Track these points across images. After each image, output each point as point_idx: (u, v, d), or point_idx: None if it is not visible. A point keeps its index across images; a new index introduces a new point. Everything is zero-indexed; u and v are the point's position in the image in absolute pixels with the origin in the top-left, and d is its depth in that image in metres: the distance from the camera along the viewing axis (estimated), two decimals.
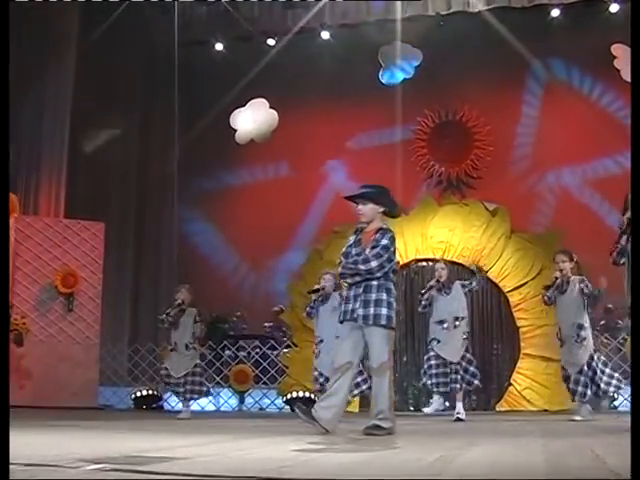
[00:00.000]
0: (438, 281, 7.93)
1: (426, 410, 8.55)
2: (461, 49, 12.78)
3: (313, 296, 7.80)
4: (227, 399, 11.15)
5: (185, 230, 13.91)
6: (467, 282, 8.09)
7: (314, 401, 7.64)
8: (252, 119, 12.75)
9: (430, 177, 13.48)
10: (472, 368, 7.82)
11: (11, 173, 9.22)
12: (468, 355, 7.88)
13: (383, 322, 4.96)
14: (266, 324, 12.60)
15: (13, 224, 9.85)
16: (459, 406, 7.61)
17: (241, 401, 10.98)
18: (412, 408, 10.03)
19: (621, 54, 11.03)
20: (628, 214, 4.95)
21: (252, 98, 12.79)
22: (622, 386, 7.38)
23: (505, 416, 8.63)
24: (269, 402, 10.89)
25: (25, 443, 3.86)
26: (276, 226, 13.22)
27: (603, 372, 7.26)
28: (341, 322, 5.18)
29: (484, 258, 10.32)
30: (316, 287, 7.82)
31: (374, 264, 4.96)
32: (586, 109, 12.10)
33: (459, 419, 7.35)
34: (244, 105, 12.91)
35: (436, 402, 8.31)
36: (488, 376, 10.30)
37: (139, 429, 5.63)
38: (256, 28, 13.04)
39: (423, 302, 7.94)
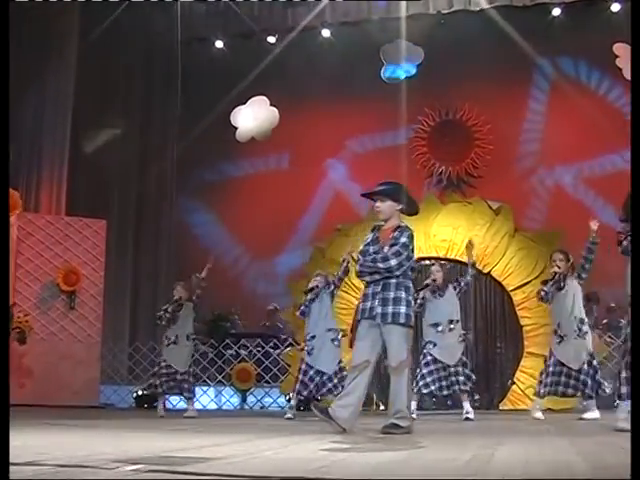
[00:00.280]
0: (434, 280, 7.94)
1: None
2: (462, 47, 12.77)
3: (309, 295, 7.80)
4: (229, 397, 11.10)
5: (186, 221, 13.85)
6: (456, 283, 8.05)
7: (309, 401, 7.70)
8: (253, 117, 12.67)
9: (430, 176, 13.46)
10: (467, 371, 7.90)
11: (12, 170, 9.20)
12: (464, 358, 8.02)
13: (402, 320, 4.94)
14: (264, 323, 12.55)
15: (15, 221, 9.77)
16: (467, 406, 7.60)
17: (243, 400, 10.93)
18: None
19: (623, 53, 11.00)
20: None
21: (252, 95, 12.72)
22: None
23: (510, 415, 8.62)
24: (271, 401, 10.86)
25: (49, 443, 3.81)
26: (276, 224, 13.19)
27: (599, 371, 7.34)
28: (358, 320, 5.16)
29: (487, 257, 10.30)
30: (310, 286, 7.82)
31: (393, 262, 4.93)
32: (590, 106, 12.06)
33: (468, 419, 7.34)
34: (244, 102, 12.83)
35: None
36: (491, 375, 10.33)
37: (153, 428, 5.59)
38: (256, 26, 12.98)
39: (419, 301, 7.91)
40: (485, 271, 10.34)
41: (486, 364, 10.33)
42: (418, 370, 7.75)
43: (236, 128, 12.72)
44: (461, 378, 7.77)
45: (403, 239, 5.01)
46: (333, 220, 12.02)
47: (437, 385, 7.75)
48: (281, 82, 13.04)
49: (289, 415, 7.59)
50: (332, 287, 7.90)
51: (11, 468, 2.70)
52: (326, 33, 13.21)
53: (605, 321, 10.68)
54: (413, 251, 5.10)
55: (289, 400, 8.20)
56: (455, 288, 7.96)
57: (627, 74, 10.94)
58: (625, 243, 5.03)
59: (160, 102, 13.58)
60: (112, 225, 11.37)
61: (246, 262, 13.83)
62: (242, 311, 12.74)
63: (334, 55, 13.11)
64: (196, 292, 8.53)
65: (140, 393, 10.69)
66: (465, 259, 10.22)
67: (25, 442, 3.79)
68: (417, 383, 7.68)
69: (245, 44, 13.53)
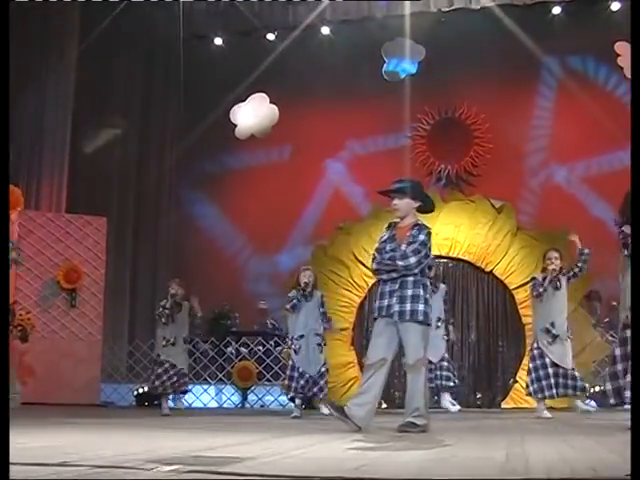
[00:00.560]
0: (430, 278, 7.93)
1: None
2: (462, 46, 12.76)
3: (299, 292, 7.77)
4: (230, 396, 11.06)
5: (187, 213, 13.80)
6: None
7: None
8: (252, 114, 12.62)
9: (430, 174, 13.45)
10: (451, 368, 8.35)
11: (12, 168, 9.14)
12: (447, 356, 8.38)
13: (420, 318, 4.92)
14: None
15: (16, 218, 9.70)
16: (445, 403, 8.16)
17: (244, 398, 10.89)
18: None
19: (624, 52, 11.02)
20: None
21: (252, 93, 12.68)
22: None
23: (514, 413, 8.59)
24: (272, 399, 10.81)
25: (72, 442, 3.77)
26: (277, 220, 13.18)
27: None
28: (375, 318, 5.13)
29: (490, 255, 10.31)
30: (305, 281, 7.79)
31: (413, 260, 4.91)
32: (593, 104, 12.06)
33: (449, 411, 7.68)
34: (244, 100, 12.78)
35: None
36: (493, 373, 10.34)
37: (166, 427, 5.55)
38: (256, 23, 12.93)
39: None
40: (487, 270, 10.36)
41: (488, 362, 10.34)
42: None
43: (235, 125, 12.69)
44: (444, 373, 8.24)
45: (422, 237, 4.99)
46: (334, 217, 12.01)
47: None
48: (281, 79, 12.98)
49: (296, 414, 7.57)
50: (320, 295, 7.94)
51: (47, 469, 2.67)
52: (326, 31, 13.17)
53: (607, 319, 10.69)
54: (430, 249, 5.08)
55: (293, 399, 8.16)
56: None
57: (629, 72, 10.96)
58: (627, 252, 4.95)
59: (160, 100, 13.52)
60: (112, 222, 11.29)
61: (246, 258, 13.78)
62: (240, 310, 12.71)
63: (334, 52, 13.06)
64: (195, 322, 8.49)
65: (141, 391, 10.64)
66: (467, 257, 10.34)
67: (50, 442, 3.74)
68: None
69: (244, 41, 13.48)
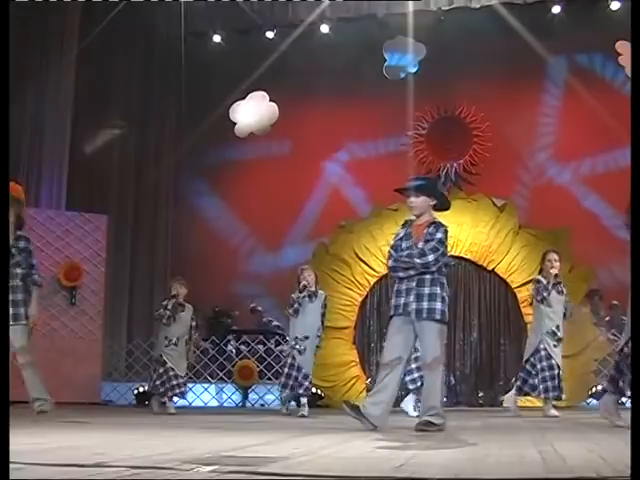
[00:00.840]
0: None
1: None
2: (461, 44, 12.74)
3: (304, 292, 7.72)
4: (230, 395, 11.01)
5: (186, 206, 13.76)
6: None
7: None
8: (252, 112, 12.57)
9: (429, 172, 13.41)
10: None
11: (12, 166, 9.05)
12: None
13: (437, 316, 4.90)
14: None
15: None
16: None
17: (245, 397, 10.84)
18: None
19: (626, 51, 11.04)
20: None
21: (251, 91, 12.63)
22: None
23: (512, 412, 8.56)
24: (273, 398, 10.76)
25: (95, 443, 3.72)
26: (277, 219, 13.14)
27: None
28: (391, 316, 5.11)
29: (492, 254, 10.32)
30: (303, 283, 7.74)
31: (431, 258, 4.89)
32: (594, 103, 12.07)
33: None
34: (243, 98, 12.73)
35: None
36: (495, 372, 10.35)
37: (182, 427, 5.52)
38: (256, 20, 12.88)
39: None
40: (489, 268, 10.36)
41: (490, 361, 10.34)
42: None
43: (235, 123, 12.64)
44: None
45: (439, 235, 4.97)
46: (334, 214, 12.00)
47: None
48: (281, 77, 12.93)
49: (303, 412, 7.54)
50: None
51: (85, 470, 2.63)
52: (325, 29, 13.12)
53: (607, 318, 10.71)
54: (447, 247, 5.07)
55: (296, 398, 8.14)
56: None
57: (629, 72, 10.98)
58: None
59: (159, 97, 13.45)
60: (112, 220, 11.21)
61: (246, 255, 13.73)
62: (240, 308, 12.67)
63: (334, 50, 13.01)
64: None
65: (141, 390, 10.57)
66: (468, 256, 10.33)
67: (71, 442, 3.70)
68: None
69: (243, 39, 13.42)
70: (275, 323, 11.96)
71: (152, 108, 13.42)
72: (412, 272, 4.96)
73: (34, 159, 10.84)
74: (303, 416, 7.43)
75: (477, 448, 3.56)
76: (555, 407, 7.79)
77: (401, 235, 5.13)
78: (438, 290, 4.94)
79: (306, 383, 7.70)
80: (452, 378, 10.06)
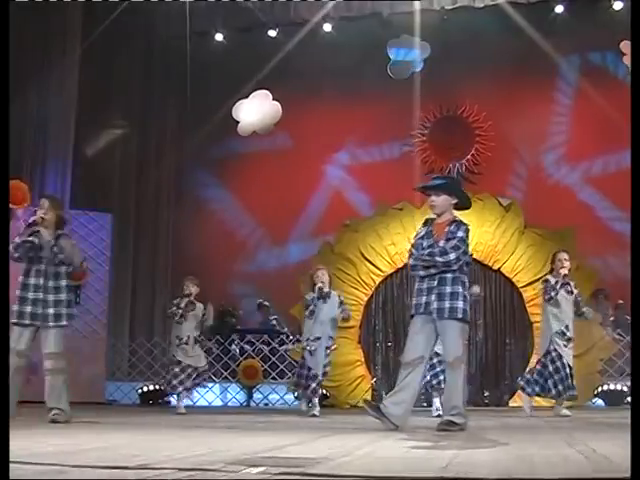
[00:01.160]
0: None
1: None
2: (464, 44, 12.73)
3: (316, 294, 7.68)
4: (235, 394, 10.97)
5: (193, 196, 13.72)
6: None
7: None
8: (255, 111, 12.51)
9: (431, 172, 13.39)
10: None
11: (16, 165, 9.01)
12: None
13: (459, 315, 4.88)
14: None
15: (22, 214, 9.52)
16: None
17: (250, 396, 10.81)
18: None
19: (629, 51, 11.05)
20: None
21: (254, 90, 12.57)
22: None
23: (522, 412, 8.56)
24: (278, 397, 10.74)
25: (126, 443, 3.68)
26: (281, 215, 13.12)
27: None
28: (412, 316, 5.08)
29: (498, 253, 10.30)
30: (319, 285, 7.72)
31: (452, 256, 4.87)
32: (596, 102, 12.08)
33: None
34: (246, 97, 12.68)
35: None
36: (501, 372, 10.33)
37: (202, 427, 5.49)
38: (258, 19, 12.83)
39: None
40: (495, 268, 10.35)
41: (495, 361, 10.33)
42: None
43: (238, 122, 12.58)
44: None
45: (460, 233, 4.95)
46: (337, 214, 11.97)
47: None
48: (284, 76, 12.87)
49: (315, 412, 7.51)
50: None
51: (130, 472, 2.60)
52: (328, 27, 13.08)
53: (612, 318, 10.72)
54: (468, 246, 5.05)
55: (305, 397, 8.11)
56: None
57: None
58: None
59: (161, 96, 13.40)
60: (115, 218, 11.16)
61: (247, 254, 13.69)
62: (244, 306, 12.65)
63: (337, 49, 12.97)
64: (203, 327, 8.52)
65: (145, 389, 10.53)
66: (474, 255, 10.25)
67: (99, 444, 3.65)
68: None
69: (246, 38, 13.37)
70: (273, 321, 11.94)
71: (153, 108, 13.36)
72: (433, 270, 4.94)
73: (38, 158, 10.78)
74: (314, 416, 7.40)
75: (513, 448, 3.54)
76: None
77: (422, 234, 5.11)
78: (460, 289, 4.92)
79: (313, 385, 7.66)
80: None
